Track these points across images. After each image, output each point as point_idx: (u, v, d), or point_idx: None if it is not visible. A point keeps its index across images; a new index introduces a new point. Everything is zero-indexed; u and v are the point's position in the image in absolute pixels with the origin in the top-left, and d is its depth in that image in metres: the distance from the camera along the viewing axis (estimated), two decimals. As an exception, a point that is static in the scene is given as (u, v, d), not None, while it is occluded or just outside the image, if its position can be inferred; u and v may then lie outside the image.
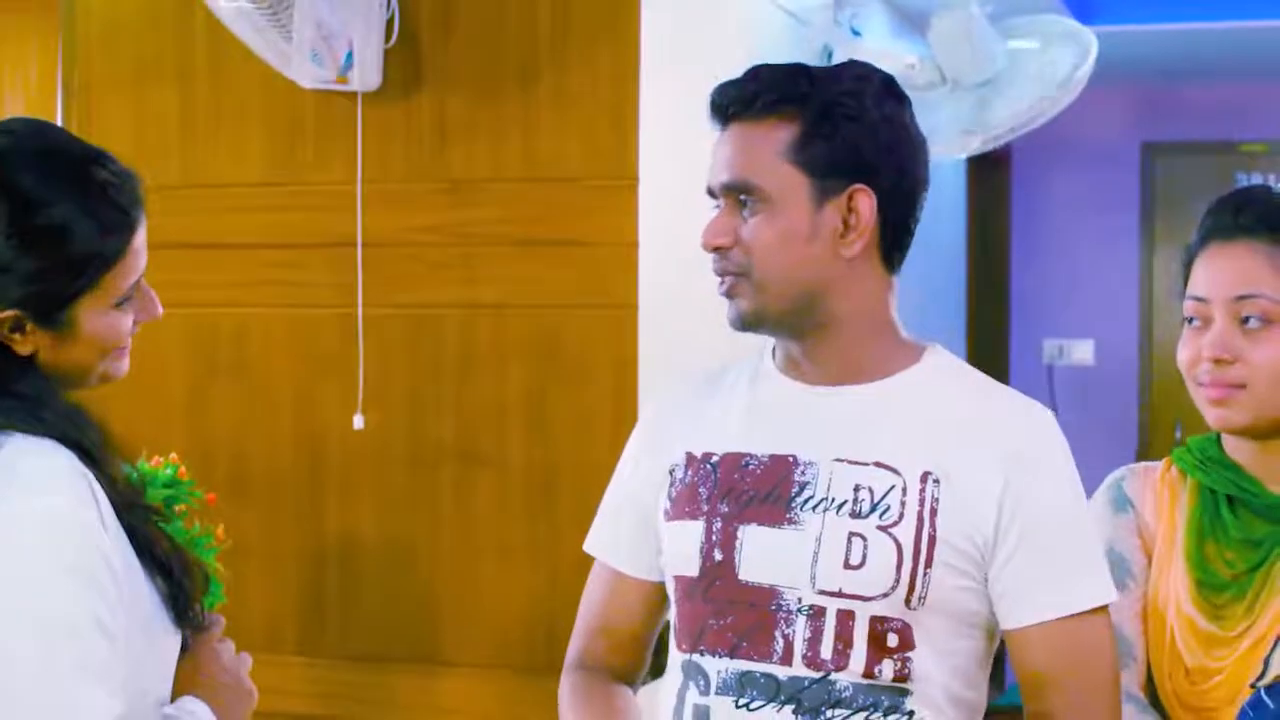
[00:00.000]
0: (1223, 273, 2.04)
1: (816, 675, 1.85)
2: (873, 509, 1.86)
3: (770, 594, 1.88)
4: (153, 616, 1.73)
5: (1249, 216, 2.04)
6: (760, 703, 1.86)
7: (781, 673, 1.86)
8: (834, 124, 1.88)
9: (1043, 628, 1.87)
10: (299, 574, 3.93)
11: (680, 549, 1.95)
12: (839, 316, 1.92)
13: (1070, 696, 1.87)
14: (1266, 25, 5.77)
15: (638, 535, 2.04)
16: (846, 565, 1.85)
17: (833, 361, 1.93)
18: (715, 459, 1.96)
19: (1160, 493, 2.13)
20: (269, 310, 3.95)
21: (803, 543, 1.87)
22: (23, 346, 1.73)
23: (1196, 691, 2.03)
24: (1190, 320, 2.07)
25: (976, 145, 4.27)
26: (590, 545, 2.11)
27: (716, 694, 1.89)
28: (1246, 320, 2.02)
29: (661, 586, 2.02)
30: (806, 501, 1.88)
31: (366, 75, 3.74)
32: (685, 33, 3.62)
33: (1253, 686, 1.98)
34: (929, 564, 1.85)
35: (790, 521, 1.88)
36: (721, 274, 1.93)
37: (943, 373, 1.96)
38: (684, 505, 1.96)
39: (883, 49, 4.24)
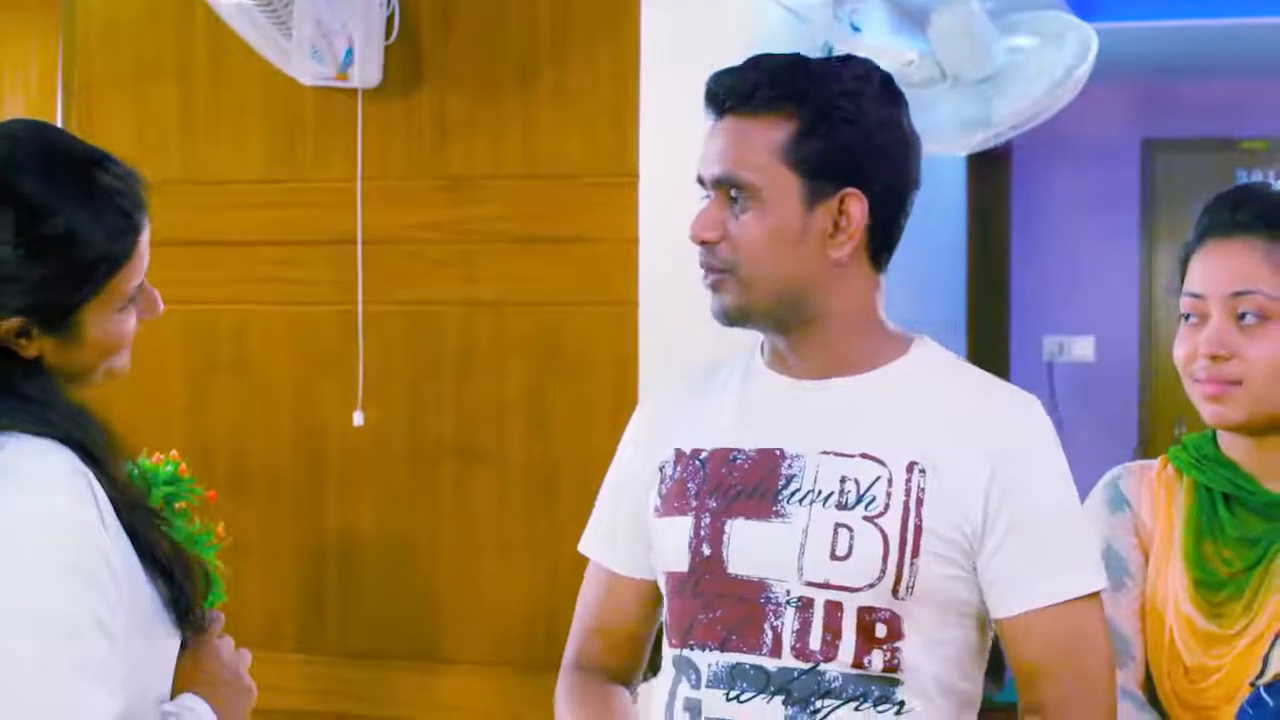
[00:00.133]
0: (1220, 269, 2.04)
1: (805, 666, 1.85)
2: (859, 500, 1.86)
3: (759, 587, 1.88)
4: (153, 615, 1.73)
5: (1246, 214, 2.04)
6: (750, 694, 1.87)
7: (771, 664, 1.86)
8: (830, 126, 1.87)
9: (1033, 616, 1.86)
10: (298, 571, 3.94)
11: (669, 545, 1.96)
12: (825, 313, 1.92)
13: (1064, 686, 1.87)
14: (1266, 22, 5.77)
15: (630, 534, 2.04)
16: (833, 557, 1.85)
17: (819, 356, 1.94)
18: (704, 455, 1.96)
19: (1157, 491, 2.13)
20: (269, 307, 3.95)
21: (790, 535, 1.87)
22: (28, 350, 1.73)
23: (1195, 690, 2.03)
24: (1187, 316, 2.07)
25: (977, 142, 4.27)
26: (584, 545, 2.12)
27: (707, 687, 1.90)
28: (1243, 316, 2.02)
29: (656, 585, 2.03)
30: (793, 494, 1.89)
31: (367, 72, 3.74)
32: (685, 29, 3.62)
33: (1252, 685, 1.98)
34: (915, 554, 1.85)
35: (777, 514, 1.88)
36: (707, 268, 1.92)
37: (929, 364, 1.96)
38: (673, 501, 1.97)
39: (882, 45, 4.23)
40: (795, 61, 1.92)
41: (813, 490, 1.88)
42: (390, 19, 3.77)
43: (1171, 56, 6.49)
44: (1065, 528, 1.90)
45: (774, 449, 1.92)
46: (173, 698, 1.76)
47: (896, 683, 1.85)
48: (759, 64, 1.91)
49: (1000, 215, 7.19)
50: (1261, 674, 1.98)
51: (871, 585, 1.84)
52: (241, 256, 3.96)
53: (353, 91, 3.81)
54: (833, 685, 1.85)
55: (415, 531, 3.85)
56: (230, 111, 3.97)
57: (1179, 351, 2.08)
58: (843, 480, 1.88)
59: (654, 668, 2.05)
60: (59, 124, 4.05)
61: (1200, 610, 2.05)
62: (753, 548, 1.89)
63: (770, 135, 1.88)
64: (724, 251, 1.90)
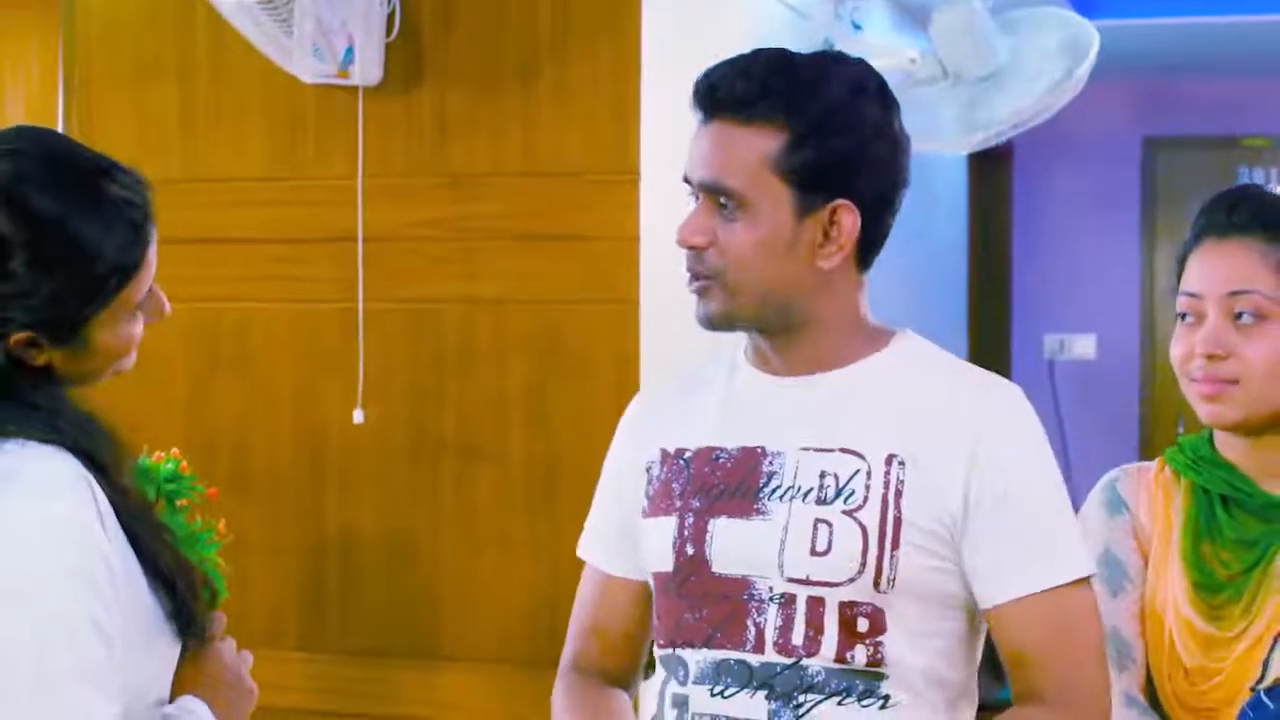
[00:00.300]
0: (1216, 269, 2.04)
1: (788, 661, 1.85)
2: (838, 494, 1.86)
3: (742, 584, 1.88)
4: (153, 624, 1.72)
5: (1243, 214, 2.05)
6: (734, 690, 1.87)
7: (754, 659, 1.86)
8: (823, 138, 1.85)
9: (1019, 605, 1.84)
10: (299, 568, 3.94)
11: (655, 546, 1.96)
12: (811, 319, 1.91)
13: (1054, 672, 1.84)
14: (1268, 20, 5.77)
15: (621, 535, 2.05)
16: (813, 552, 1.85)
17: (802, 356, 1.93)
18: (688, 455, 1.96)
19: (1155, 493, 2.13)
20: (270, 305, 3.95)
21: (770, 532, 1.87)
22: (37, 359, 1.72)
23: (1196, 692, 2.03)
24: (1184, 316, 2.07)
25: (978, 141, 4.27)
26: (580, 548, 2.12)
27: (694, 683, 1.90)
28: (1239, 316, 2.02)
29: (649, 585, 2.02)
30: (774, 491, 1.88)
31: (367, 70, 3.74)
32: (686, 27, 3.62)
33: (1252, 689, 1.98)
34: (895, 546, 1.84)
35: (758, 512, 1.88)
36: (694, 274, 1.91)
37: (910, 356, 1.95)
38: (659, 502, 1.97)
39: (884, 43, 4.23)
40: (786, 66, 1.88)
41: (793, 486, 1.88)
42: (391, 16, 3.77)
43: (1173, 54, 6.49)
44: (1049, 514, 1.87)
45: (755, 447, 1.91)
46: (174, 700, 1.75)
47: (881, 677, 1.84)
48: (749, 70, 1.88)
49: (1001, 213, 7.19)
50: (1262, 678, 1.98)
51: (852, 580, 1.84)
52: (242, 254, 3.96)
53: (353, 89, 3.81)
54: (815, 680, 1.84)
55: (416, 529, 3.85)
56: (231, 109, 3.97)
57: (1176, 351, 2.08)
58: (822, 475, 1.87)
59: (653, 666, 2.05)
60: (60, 122, 4.06)
61: (1199, 612, 2.04)
62: (735, 546, 1.89)
63: (761, 145, 1.86)
64: (711, 258, 1.89)
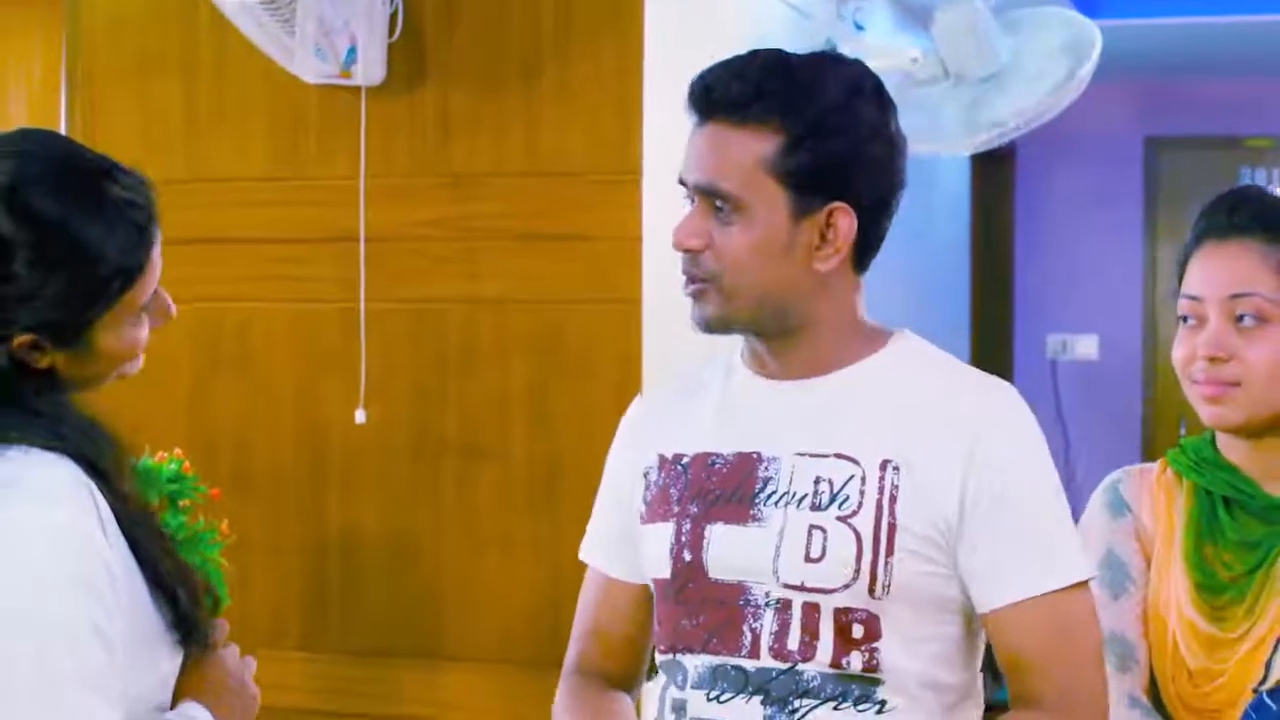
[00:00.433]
0: (1217, 272, 2.04)
1: (783, 666, 1.85)
2: (832, 500, 1.85)
3: (738, 590, 1.87)
4: (154, 631, 1.72)
5: (1243, 216, 2.04)
6: (730, 694, 1.87)
7: (749, 665, 1.86)
8: (819, 140, 1.84)
9: (1018, 608, 1.83)
10: (301, 568, 3.94)
11: (653, 551, 1.96)
12: (808, 321, 1.90)
13: (1052, 676, 1.84)
14: (1271, 20, 5.76)
15: (621, 539, 2.04)
16: (807, 559, 1.84)
17: (797, 358, 1.92)
18: (686, 460, 1.95)
19: (1157, 495, 2.13)
20: (272, 305, 3.95)
21: (765, 538, 1.86)
22: (41, 362, 1.72)
23: (1199, 694, 2.03)
24: (1185, 319, 2.07)
25: (981, 141, 4.27)
26: (582, 551, 2.12)
27: (692, 688, 1.90)
28: (1241, 319, 2.02)
29: (649, 589, 2.02)
30: (769, 497, 1.88)
31: (370, 70, 3.74)
32: (688, 26, 3.61)
33: (1255, 691, 1.98)
34: (890, 552, 1.83)
35: (754, 518, 1.88)
36: (689, 277, 1.90)
37: (907, 357, 1.94)
38: (657, 508, 1.96)
39: (886, 43, 4.23)
40: (782, 67, 1.87)
41: (788, 493, 1.87)
42: (393, 16, 3.77)
43: (1175, 54, 6.49)
44: (1045, 516, 1.86)
45: (751, 452, 1.91)
46: (175, 705, 1.75)
47: (877, 682, 1.84)
48: (744, 71, 1.87)
49: (1004, 213, 7.19)
50: (1265, 679, 1.98)
51: (846, 586, 1.83)
52: (244, 254, 3.96)
53: (356, 89, 3.81)
54: (810, 685, 1.84)
55: (418, 529, 3.85)
56: (233, 109, 3.97)
57: (1178, 354, 2.07)
58: (817, 481, 1.86)
59: (655, 669, 2.05)
60: (62, 119, 4.06)
61: (1202, 614, 2.04)
62: (731, 552, 1.88)
63: (756, 147, 1.85)
64: (707, 261, 1.89)
